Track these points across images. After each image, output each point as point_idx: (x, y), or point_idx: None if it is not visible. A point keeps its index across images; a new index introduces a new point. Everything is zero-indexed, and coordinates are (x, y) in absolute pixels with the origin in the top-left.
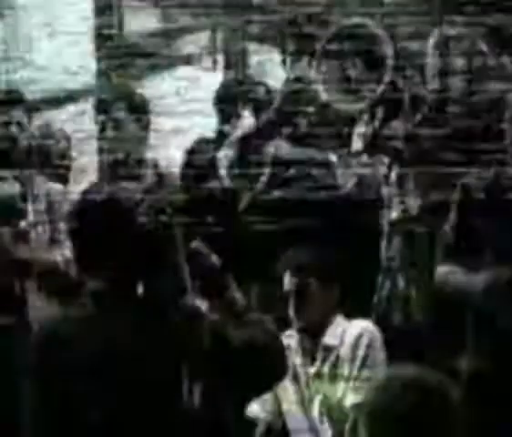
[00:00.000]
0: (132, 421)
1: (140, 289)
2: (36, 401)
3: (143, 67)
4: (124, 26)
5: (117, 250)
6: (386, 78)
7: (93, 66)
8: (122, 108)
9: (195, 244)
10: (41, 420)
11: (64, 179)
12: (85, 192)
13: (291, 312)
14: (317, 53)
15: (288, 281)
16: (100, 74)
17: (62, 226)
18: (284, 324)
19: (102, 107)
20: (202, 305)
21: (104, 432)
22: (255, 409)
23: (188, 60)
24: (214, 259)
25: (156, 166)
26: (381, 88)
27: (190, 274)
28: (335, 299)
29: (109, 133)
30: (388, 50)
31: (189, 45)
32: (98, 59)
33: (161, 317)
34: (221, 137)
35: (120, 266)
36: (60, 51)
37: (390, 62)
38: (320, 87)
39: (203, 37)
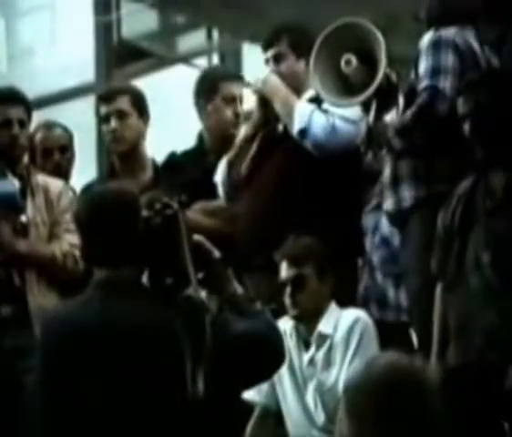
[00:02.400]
0: (136, 410)
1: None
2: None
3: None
4: (122, 26)
5: (123, 243)
6: (379, 75)
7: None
8: (125, 102)
9: (197, 237)
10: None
11: (65, 175)
12: (88, 187)
13: (287, 300)
14: (313, 51)
15: (285, 270)
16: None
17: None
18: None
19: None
20: (204, 296)
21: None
22: (251, 392)
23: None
24: (216, 252)
25: (153, 162)
26: (374, 84)
27: (193, 266)
28: (330, 288)
29: (113, 124)
30: (381, 47)
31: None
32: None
33: (166, 307)
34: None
35: (126, 258)
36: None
37: (383, 59)
38: (317, 84)
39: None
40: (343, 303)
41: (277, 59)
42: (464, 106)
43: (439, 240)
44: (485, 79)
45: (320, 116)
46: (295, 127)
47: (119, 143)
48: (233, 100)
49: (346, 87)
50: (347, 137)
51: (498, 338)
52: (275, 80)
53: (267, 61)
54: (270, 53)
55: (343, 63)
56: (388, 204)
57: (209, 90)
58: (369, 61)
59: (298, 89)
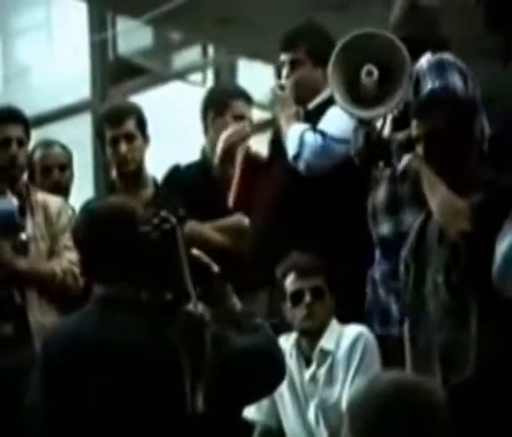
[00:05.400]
0: (134, 427)
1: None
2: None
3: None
4: (118, 43)
5: (121, 259)
6: (403, 87)
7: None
8: (132, 124)
9: (196, 252)
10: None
11: (65, 192)
12: (87, 204)
13: (302, 311)
14: (331, 60)
15: (293, 282)
16: (96, 88)
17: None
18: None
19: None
20: (203, 311)
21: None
22: (252, 411)
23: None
24: (214, 266)
25: (154, 180)
26: (397, 98)
27: (192, 281)
28: (334, 304)
29: (123, 147)
30: (406, 58)
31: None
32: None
33: (165, 323)
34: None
35: (124, 273)
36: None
37: (408, 70)
38: (335, 94)
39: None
40: (347, 320)
41: (293, 65)
42: (417, 128)
43: (402, 279)
44: (439, 101)
45: (309, 136)
46: (289, 154)
47: (128, 165)
48: (242, 119)
49: (355, 97)
50: (337, 158)
51: (453, 355)
52: (284, 97)
53: (282, 64)
54: (286, 57)
55: (363, 73)
56: (384, 228)
57: (219, 106)
58: (391, 73)
59: (312, 97)
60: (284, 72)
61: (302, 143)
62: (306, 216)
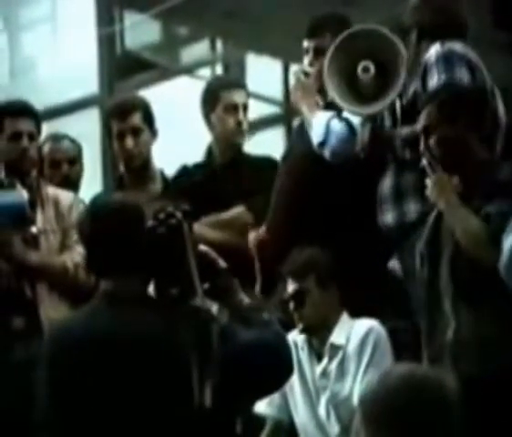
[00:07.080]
0: (141, 422)
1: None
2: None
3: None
4: (126, 38)
5: (127, 254)
6: (400, 82)
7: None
8: (138, 118)
9: (202, 247)
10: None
11: (74, 187)
12: (94, 199)
13: (294, 314)
14: (326, 60)
15: (289, 285)
16: (104, 83)
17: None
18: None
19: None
20: (211, 307)
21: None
22: (263, 406)
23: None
24: (221, 262)
25: (162, 174)
26: (394, 93)
27: (199, 276)
28: (336, 299)
29: (129, 141)
30: (401, 51)
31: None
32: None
33: (172, 318)
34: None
35: (131, 269)
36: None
37: (403, 64)
38: (333, 92)
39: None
40: (358, 313)
41: (317, 52)
42: (419, 122)
43: (417, 273)
44: (437, 95)
45: (336, 124)
46: (314, 141)
47: (134, 159)
48: (235, 108)
49: (355, 94)
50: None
51: (469, 351)
52: (308, 84)
53: (306, 51)
54: (311, 43)
55: (360, 69)
56: (388, 218)
57: (211, 100)
58: (381, 71)
59: None
60: (308, 59)
61: (328, 130)
62: (324, 206)
